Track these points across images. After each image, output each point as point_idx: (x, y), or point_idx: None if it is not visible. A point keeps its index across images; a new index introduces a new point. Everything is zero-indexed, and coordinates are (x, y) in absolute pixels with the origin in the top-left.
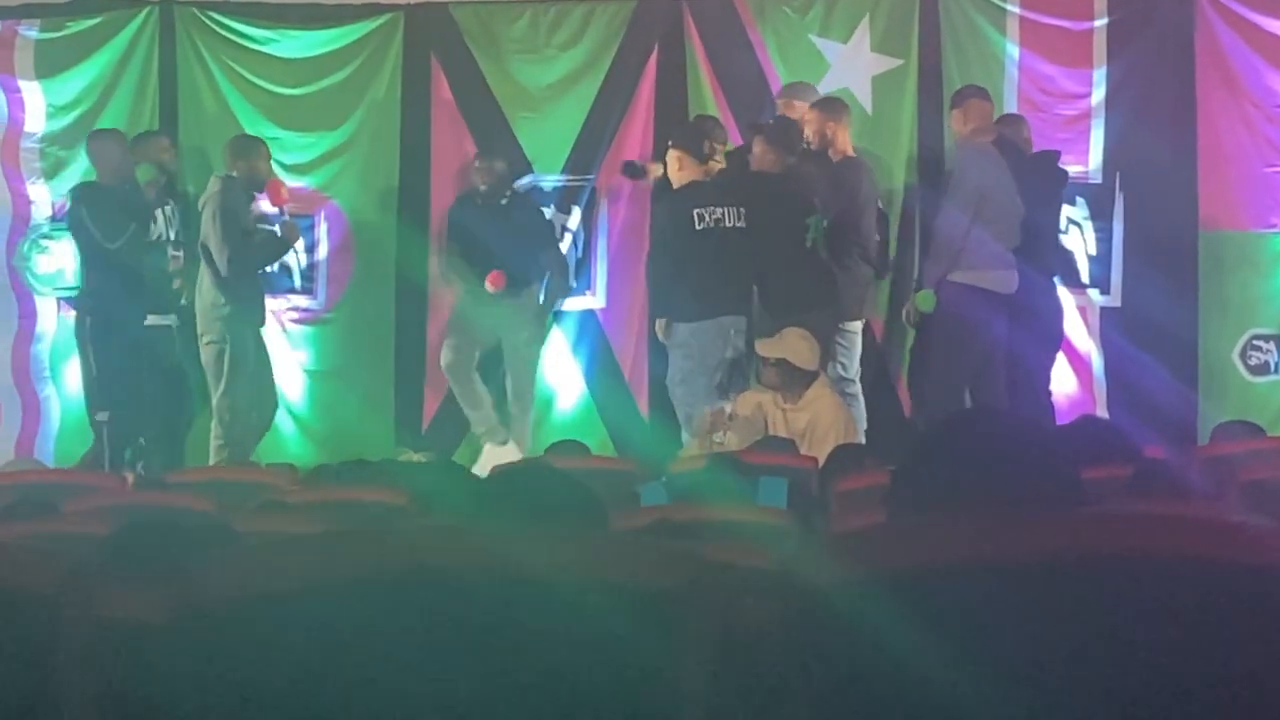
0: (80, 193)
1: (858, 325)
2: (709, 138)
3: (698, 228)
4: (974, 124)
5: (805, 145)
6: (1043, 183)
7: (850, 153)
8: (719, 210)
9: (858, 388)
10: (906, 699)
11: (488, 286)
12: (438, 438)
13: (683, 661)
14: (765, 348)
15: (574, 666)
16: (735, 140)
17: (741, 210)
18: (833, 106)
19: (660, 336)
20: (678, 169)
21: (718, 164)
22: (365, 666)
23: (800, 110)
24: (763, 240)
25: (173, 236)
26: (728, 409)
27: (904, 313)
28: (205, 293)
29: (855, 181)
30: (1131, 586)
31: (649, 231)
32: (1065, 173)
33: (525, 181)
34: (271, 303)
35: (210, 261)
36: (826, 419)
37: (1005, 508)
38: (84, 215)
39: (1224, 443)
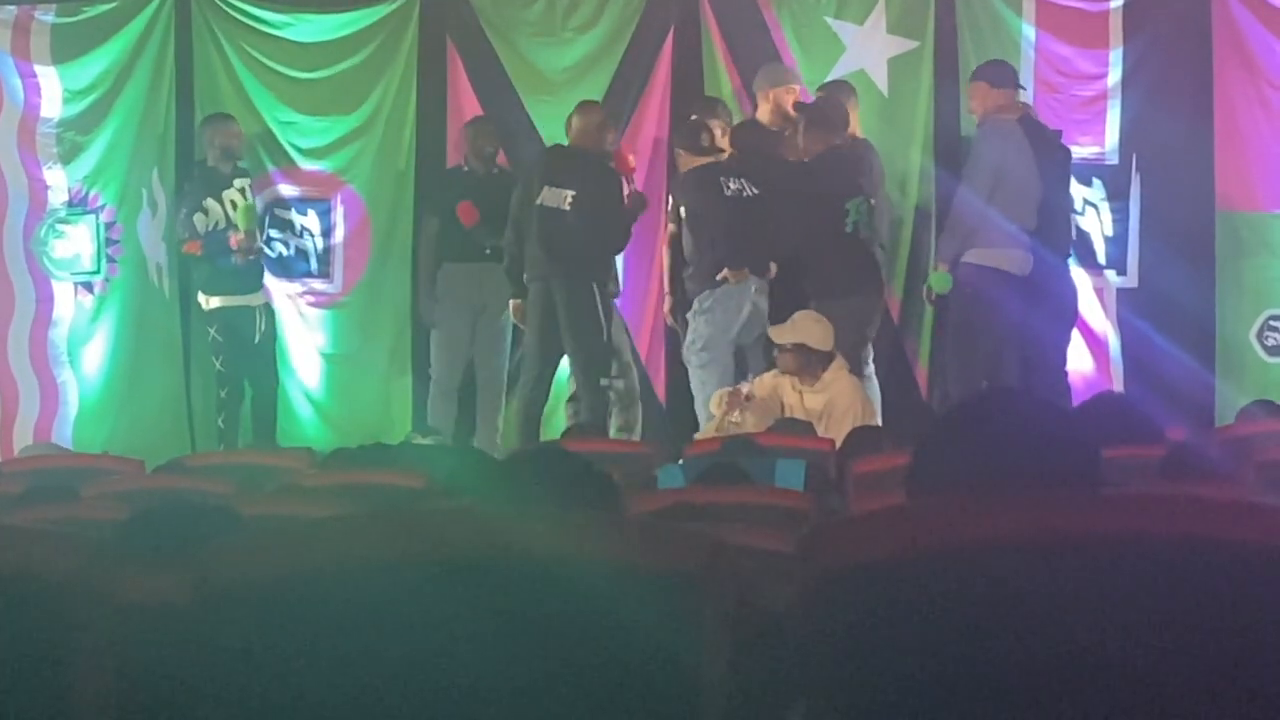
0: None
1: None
2: (704, 129)
3: (726, 194)
4: (995, 101)
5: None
6: (1057, 164)
7: (858, 134)
8: (738, 181)
9: (872, 369)
10: (927, 681)
11: (460, 217)
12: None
13: (700, 644)
14: (780, 334)
15: (591, 650)
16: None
17: (754, 182)
18: (840, 89)
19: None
20: (683, 165)
21: (722, 146)
22: (383, 649)
23: (777, 97)
24: (798, 224)
25: (237, 226)
26: (745, 389)
27: (924, 292)
28: None
29: (865, 164)
30: (1153, 567)
31: (666, 217)
32: (1069, 150)
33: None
34: (288, 286)
35: None
36: (844, 401)
37: (1025, 488)
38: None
39: (1245, 424)
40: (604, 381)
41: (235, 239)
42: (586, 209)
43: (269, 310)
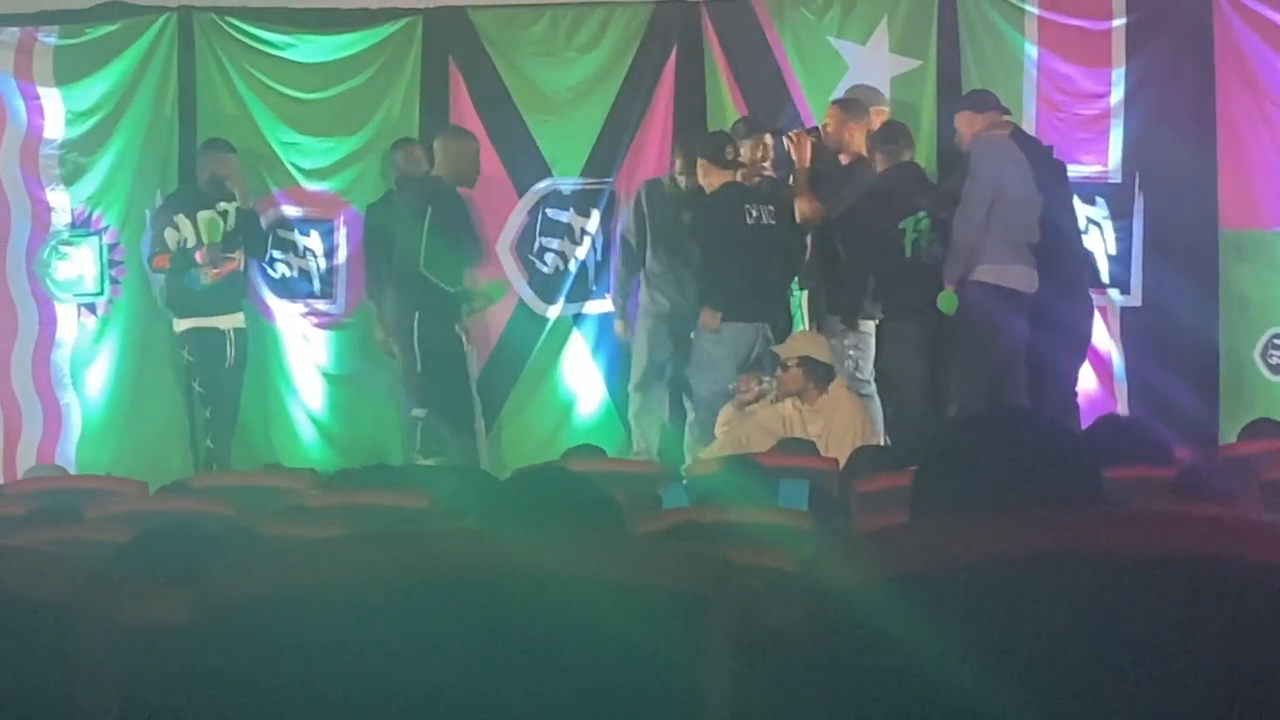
0: None
1: (871, 326)
2: (730, 141)
3: (748, 221)
4: (982, 125)
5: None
6: (1054, 176)
7: (864, 153)
8: (759, 208)
9: (873, 388)
10: (930, 701)
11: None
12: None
13: (705, 664)
14: (786, 350)
15: (595, 670)
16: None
17: (773, 209)
18: (852, 107)
19: (709, 327)
20: (703, 176)
21: (743, 165)
22: (387, 670)
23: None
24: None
25: (203, 241)
26: (765, 381)
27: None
28: None
29: (926, 181)
30: (1157, 586)
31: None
32: (1063, 163)
33: (544, 185)
34: (291, 306)
35: None
36: (843, 420)
37: (1027, 506)
38: None
39: (1247, 442)
40: (416, 413)
41: (201, 253)
42: (403, 237)
43: (242, 335)
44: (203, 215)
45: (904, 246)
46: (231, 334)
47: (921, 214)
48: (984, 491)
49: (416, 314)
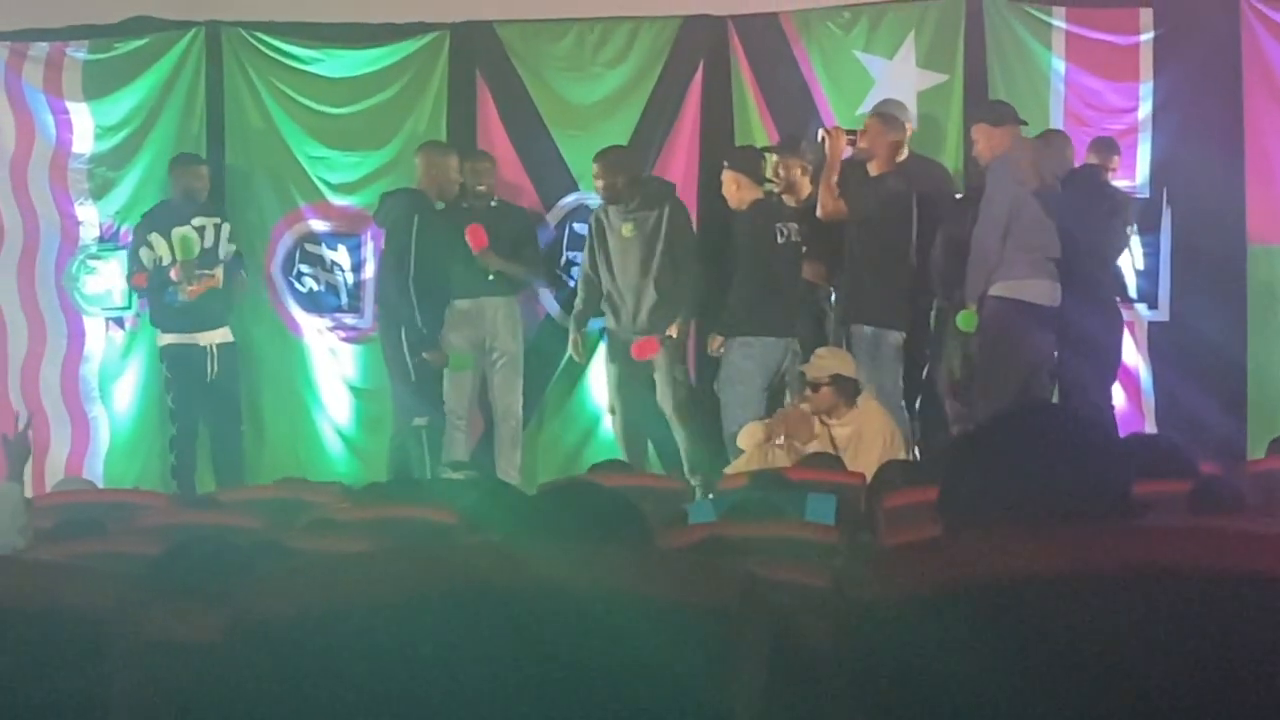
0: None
1: (900, 337)
2: (762, 157)
3: (779, 241)
4: (1000, 142)
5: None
6: (1081, 196)
7: (891, 168)
8: (788, 227)
9: (900, 399)
10: (960, 717)
11: (469, 240)
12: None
13: (735, 680)
14: (815, 369)
15: (624, 686)
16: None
17: (799, 227)
18: (889, 122)
19: (713, 351)
20: (735, 189)
21: (774, 180)
22: (416, 684)
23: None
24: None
25: (176, 258)
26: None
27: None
28: None
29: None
30: (1186, 601)
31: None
32: (1102, 185)
33: (571, 199)
34: (318, 321)
35: None
36: (871, 429)
37: (1056, 508)
38: None
39: (1276, 457)
40: (417, 421)
41: (174, 270)
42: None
43: (227, 349)
44: (177, 232)
45: None
46: (213, 350)
47: None
48: (1012, 495)
49: (403, 329)
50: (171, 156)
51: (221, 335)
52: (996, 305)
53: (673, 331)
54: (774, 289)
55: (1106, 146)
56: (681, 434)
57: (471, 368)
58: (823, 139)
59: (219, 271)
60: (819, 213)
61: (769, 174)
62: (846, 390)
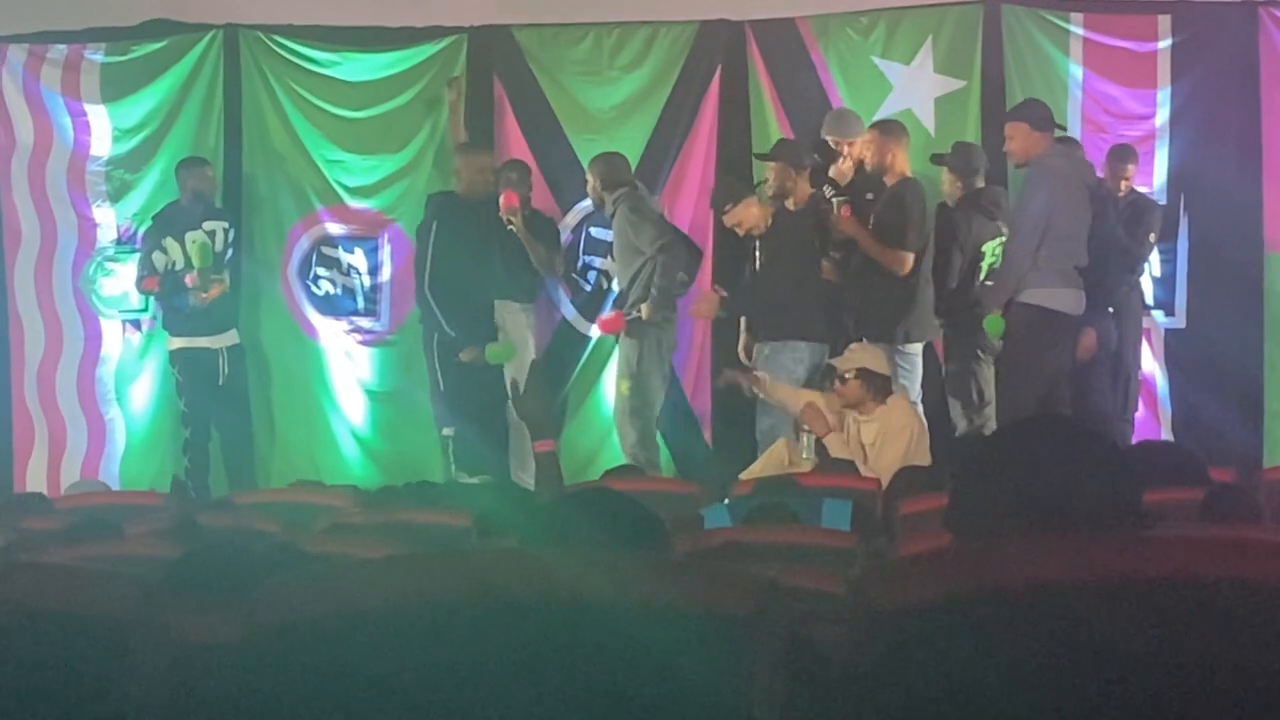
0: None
1: (918, 348)
2: (808, 150)
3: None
4: (1039, 146)
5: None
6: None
7: (908, 174)
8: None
9: (920, 409)
10: None
11: (502, 201)
12: (499, 461)
13: (752, 686)
14: (843, 362)
15: (643, 692)
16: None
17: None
18: (891, 129)
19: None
20: (789, 185)
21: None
22: (434, 690)
23: (857, 147)
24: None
25: (193, 265)
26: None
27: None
28: None
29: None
30: (1198, 609)
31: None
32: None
33: (587, 203)
34: (335, 324)
35: None
36: (896, 424)
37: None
38: None
39: None
40: (445, 431)
41: (190, 277)
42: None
43: (237, 352)
44: (191, 237)
45: (980, 270)
46: (224, 353)
47: (992, 241)
48: (1024, 504)
49: (435, 334)
50: (178, 161)
51: (231, 338)
52: (1024, 311)
53: (641, 312)
54: (822, 289)
55: (1124, 154)
56: (625, 429)
57: (512, 357)
58: (838, 208)
59: (226, 275)
60: (888, 261)
61: (767, 179)
62: (875, 385)
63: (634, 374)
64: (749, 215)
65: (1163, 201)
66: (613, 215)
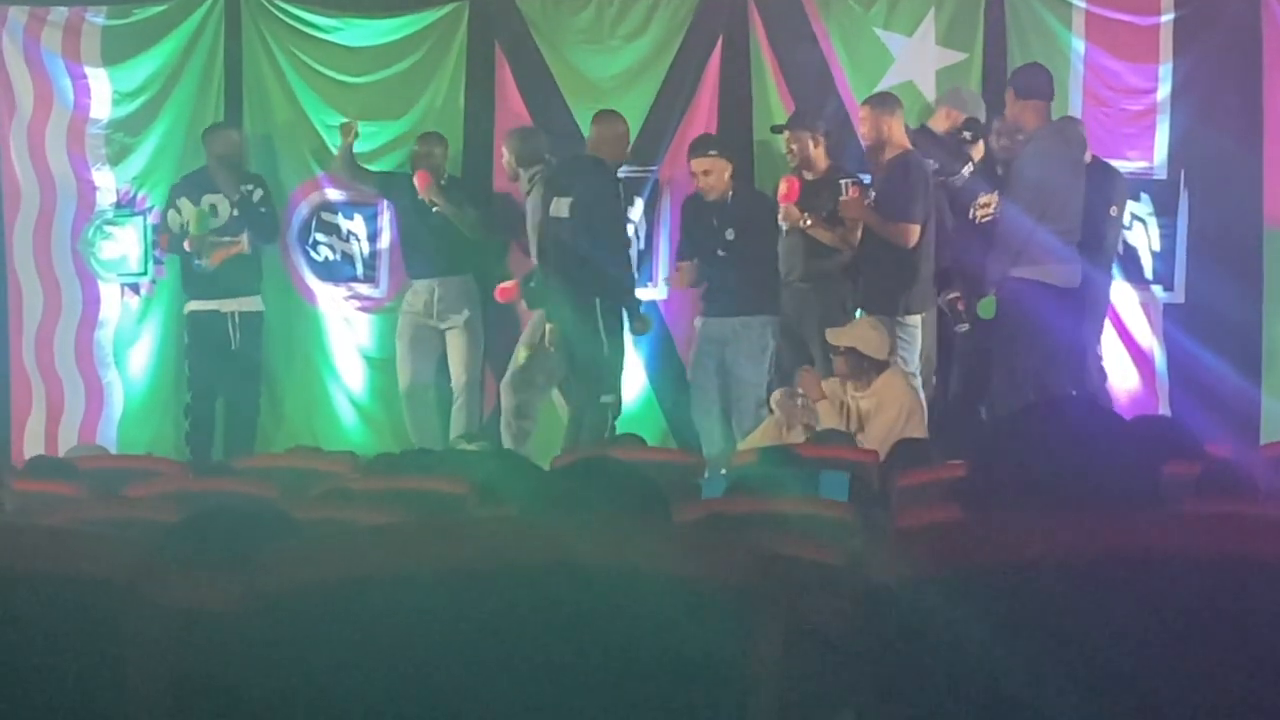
0: None
1: (918, 319)
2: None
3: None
4: (1037, 115)
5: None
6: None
7: (907, 146)
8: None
9: (919, 381)
10: (974, 696)
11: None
12: (497, 427)
13: (752, 654)
14: (835, 336)
15: (641, 660)
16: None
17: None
18: (885, 101)
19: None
20: (813, 151)
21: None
22: (431, 656)
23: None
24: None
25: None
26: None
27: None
28: None
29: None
30: (1204, 586)
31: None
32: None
33: None
34: (333, 290)
35: None
36: (890, 397)
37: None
38: None
39: None
40: (606, 398)
41: (188, 242)
42: (582, 218)
43: (251, 318)
44: (205, 200)
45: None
46: (236, 317)
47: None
48: (1035, 483)
49: (597, 300)
50: (202, 128)
51: (247, 304)
52: (1018, 285)
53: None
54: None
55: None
56: (507, 394)
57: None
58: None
59: (244, 238)
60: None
61: (784, 150)
62: (864, 365)
63: (534, 344)
64: (720, 175)
65: (1163, 176)
66: (528, 192)
